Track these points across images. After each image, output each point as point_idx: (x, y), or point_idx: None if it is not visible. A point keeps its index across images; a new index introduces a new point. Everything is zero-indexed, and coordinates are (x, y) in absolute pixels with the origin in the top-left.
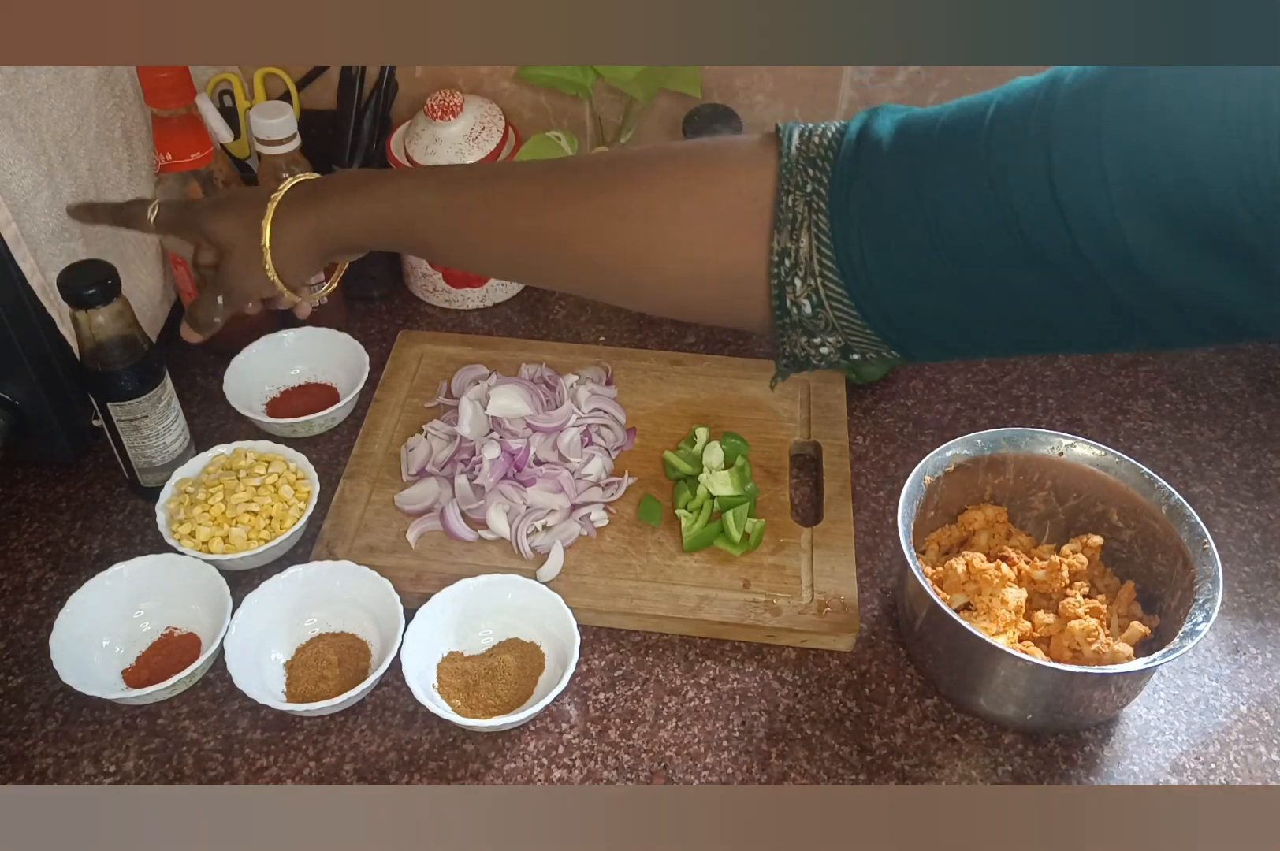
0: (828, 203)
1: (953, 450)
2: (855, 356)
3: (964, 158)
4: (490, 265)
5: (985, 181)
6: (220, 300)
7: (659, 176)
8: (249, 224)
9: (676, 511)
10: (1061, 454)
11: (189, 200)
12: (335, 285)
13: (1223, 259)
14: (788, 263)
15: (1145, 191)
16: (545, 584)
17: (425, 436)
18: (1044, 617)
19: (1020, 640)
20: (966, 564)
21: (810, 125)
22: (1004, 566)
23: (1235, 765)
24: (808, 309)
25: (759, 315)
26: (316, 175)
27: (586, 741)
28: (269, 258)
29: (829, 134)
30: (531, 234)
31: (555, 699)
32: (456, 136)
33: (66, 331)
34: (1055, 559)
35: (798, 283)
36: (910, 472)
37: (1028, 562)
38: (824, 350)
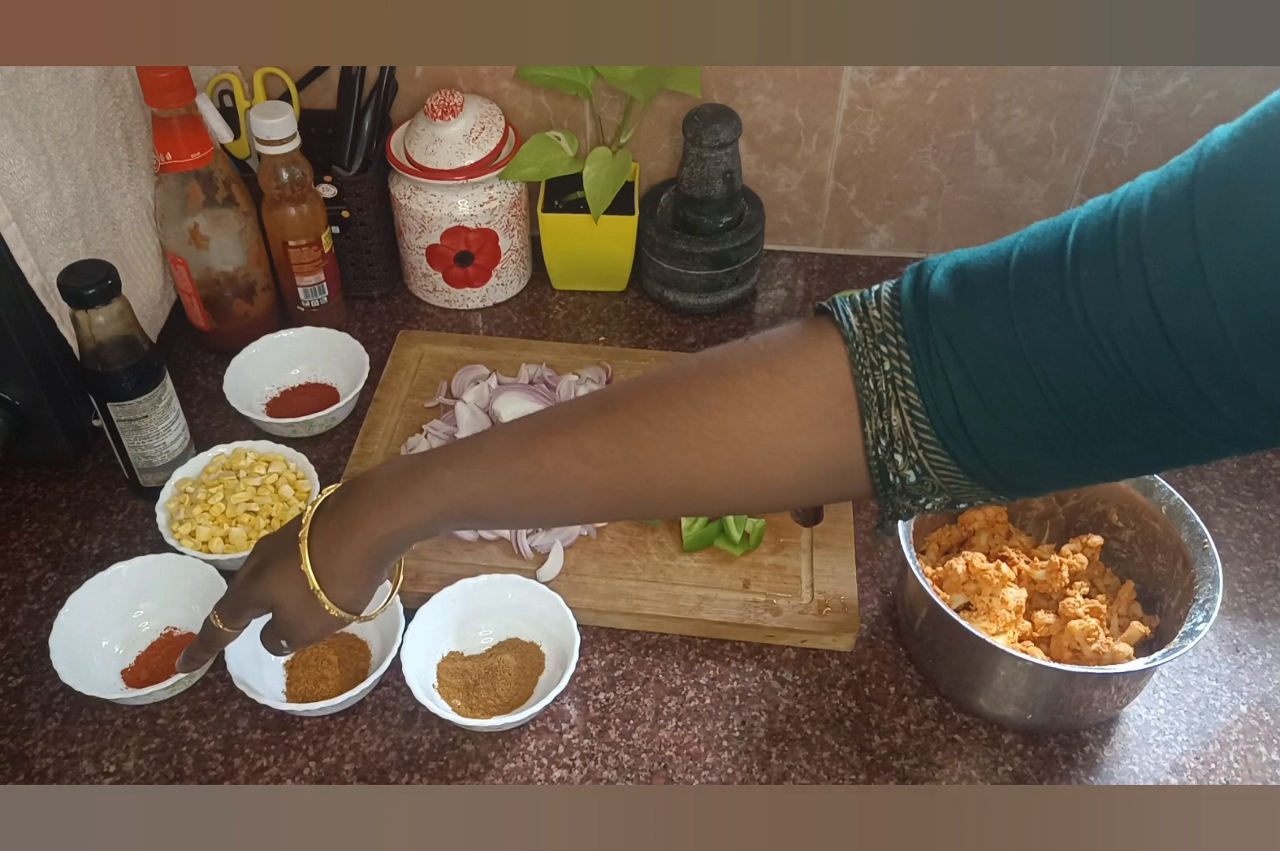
0: (913, 377)
1: None
2: (962, 506)
3: (1054, 306)
4: (575, 518)
5: (1084, 329)
6: (285, 643)
7: (731, 397)
8: (293, 577)
9: None
10: None
11: (231, 585)
12: (397, 590)
13: None
14: (884, 442)
15: (1258, 318)
16: (545, 584)
17: (425, 436)
18: (1044, 617)
19: (1020, 640)
20: (966, 564)
21: (855, 295)
22: (1004, 566)
23: (1235, 765)
24: (912, 478)
25: (864, 491)
26: (327, 493)
27: (586, 741)
28: (325, 598)
29: (883, 302)
30: (610, 486)
31: (555, 699)
32: (456, 136)
33: (66, 331)
34: (1055, 559)
35: (898, 458)
36: None
37: (1028, 562)
38: (928, 506)
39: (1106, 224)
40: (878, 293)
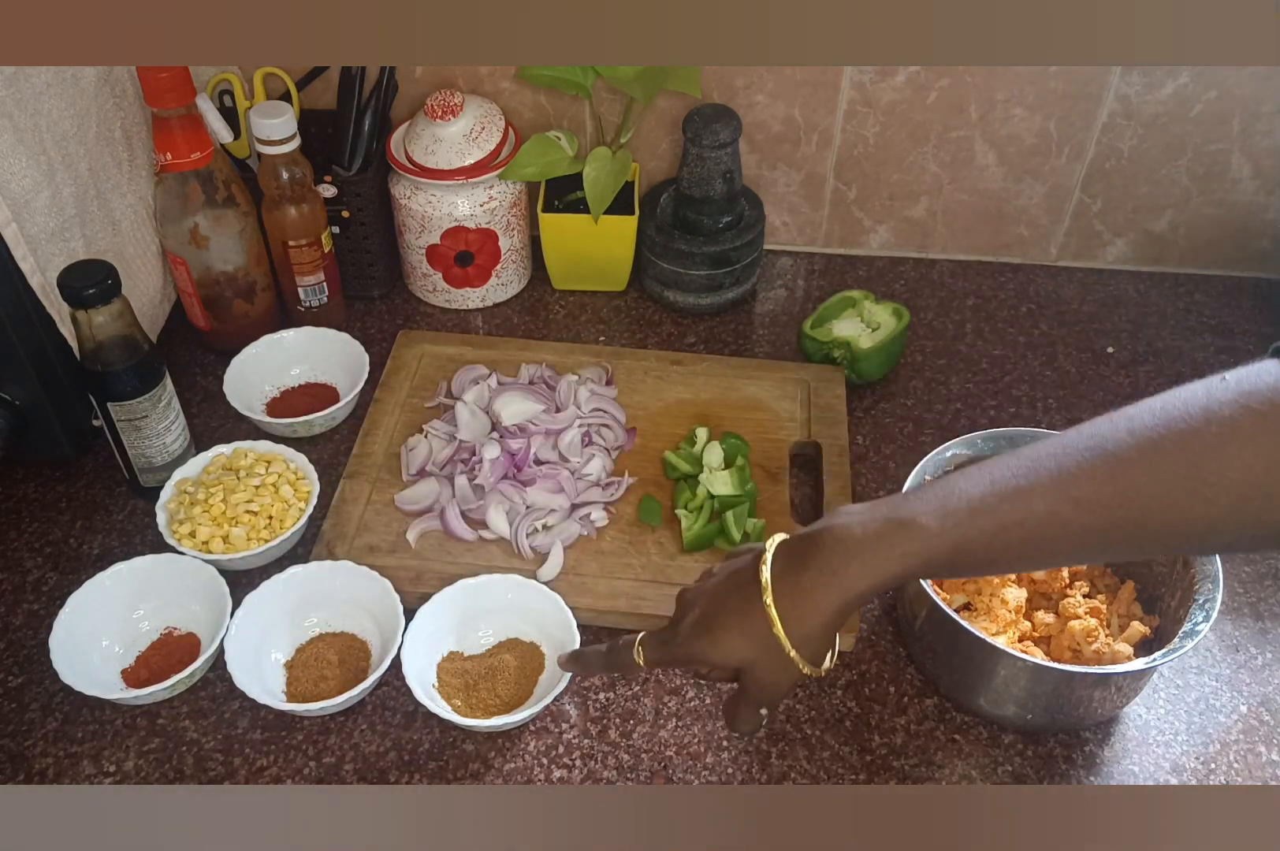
0: None
1: (953, 450)
2: None
3: None
4: (1057, 562)
5: None
6: (764, 711)
7: (1223, 436)
8: (757, 639)
9: (676, 511)
10: None
11: (667, 628)
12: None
13: None
14: None
15: None
16: (545, 584)
17: (425, 436)
18: (1044, 617)
19: (1020, 640)
20: None
21: None
22: None
23: (1235, 765)
24: None
25: None
26: (772, 545)
27: (586, 741)
28: (798, 658)
29: None
30: (1098, 529)
31: (555, 699)
32: (456, 136)
33: (66, 331)
34: None
35: None
36: (910, 472)
37: None
38: None
39: None
40: None
